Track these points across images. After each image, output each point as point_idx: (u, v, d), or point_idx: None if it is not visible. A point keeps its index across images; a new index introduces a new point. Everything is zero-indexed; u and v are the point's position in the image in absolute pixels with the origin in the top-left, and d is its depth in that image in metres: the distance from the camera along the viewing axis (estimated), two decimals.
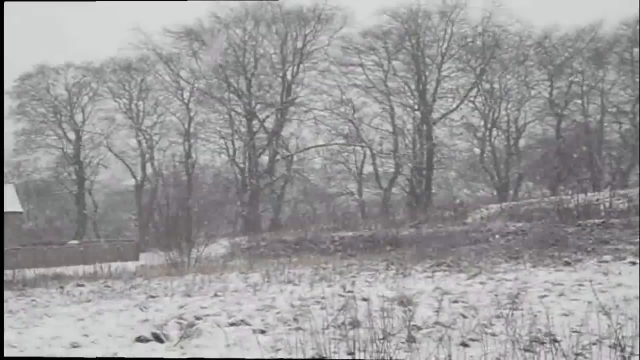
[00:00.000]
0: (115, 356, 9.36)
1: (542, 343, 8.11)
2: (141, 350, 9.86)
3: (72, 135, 66.59)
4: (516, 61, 60.56)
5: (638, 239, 25.98)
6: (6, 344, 10.11)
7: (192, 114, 64.48)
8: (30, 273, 29.29)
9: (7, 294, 20.76)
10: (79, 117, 66.48)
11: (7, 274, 28.38)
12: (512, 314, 9.88)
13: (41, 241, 56.63)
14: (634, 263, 20.19)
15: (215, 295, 16.80)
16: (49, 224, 70.51)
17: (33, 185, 66.11)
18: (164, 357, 9.41)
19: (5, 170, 64.77)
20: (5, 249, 43.72)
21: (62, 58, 65.35)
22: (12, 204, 52.05)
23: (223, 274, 23.70)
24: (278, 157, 62.61)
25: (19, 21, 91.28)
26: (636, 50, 58.12)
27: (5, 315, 14.87)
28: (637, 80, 58.40)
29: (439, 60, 61.03)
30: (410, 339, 9.16)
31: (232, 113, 63.17)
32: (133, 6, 72.82)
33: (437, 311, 11.70)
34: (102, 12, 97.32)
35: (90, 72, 65.37)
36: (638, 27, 57.28)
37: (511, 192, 59.99)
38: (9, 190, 53.72)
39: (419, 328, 10.26)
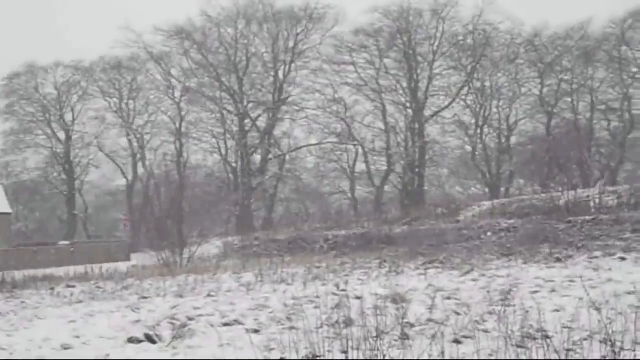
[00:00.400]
0: (107, 357, 9.31)
1: (534, 339, 8.15)
2: (133, 351, 9.82)
3: (61, 135, 66.29)
4: (506, 59, 60.74)
5: (627, 235, 26.17)
6: None
7: (183, 112, 64.37)
8: (19, 274, 29.17)
9: None
10: (68, 117, 66.26)
11: None
12: (504, 310, 9.91)
13: (31, 242, 56.39)
14: (623, 258, 20.34)
15: (208, 295, 16.77)
16: (39, 225, 70.26)
17: (22, 185, 65.73)
18: (156, 357, 9.38)
19: None
20: None
21: (51, 56, 65.19)
22: (0, 204, 51.77)
23: (216, 273, 23.66)
24: (270, 156, 62.56)
25: (6, 19, 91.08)
26: (624, 48, 58.44)
27: None
28: (625, 77, 58.72)
29: (430, 58, 61.14)
30: (403, 336, 9.18)
31: (224, 112, 63.08)
32: (123, 4, 72.86)
33: (429, 308, 11.73)
34: (91, 10, 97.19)
35: (79, 70, 65.08)
36: (625, 25, 57.65)
37: (502, 189, 60.16)
38: None
39: (412, 325, 10.29)
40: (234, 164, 63.18)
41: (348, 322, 9.63)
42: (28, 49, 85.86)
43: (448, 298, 13.57)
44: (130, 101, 65.75)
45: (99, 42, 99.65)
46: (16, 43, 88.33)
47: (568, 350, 7.20)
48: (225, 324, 11.58)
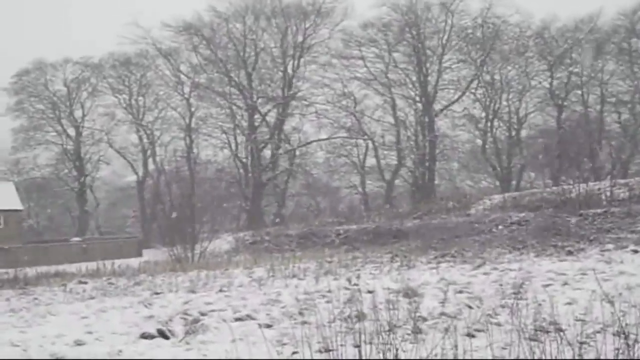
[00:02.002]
0: (120, 353, 9.35)
1: (547, 332, 8.12)
2: (146, 346, 9.86)
3: (72, 132, 66.47)
4: (516, 52, 60.47)
5: (639, 228, 26.01)
6: (9, 343, 10.10)
7: (193, 108, 64.42)
8: (32, 271, 29.36)
9: (9, 292, 20.80)
10: (78, 113, 66.41)
11: (9, 272, 28.50)
12: (517, 304, 9.88)
13: (43, 239, 56.73)
14: (635, 251, 20.22)
15: (220, 290, 16.83)
16: (51, 222, 70.63)
17: (33, 182, 66.00)
18: (170, 352, 9.41)
19: (5, 167, 64.94)
20: (7, 247, 43.92)
21: (60, 53, 65.33)
22: (12, 202, 52.03)
23: (227, 269, 23.73)
24: (280, 151, 62.56)
25: (15, 17, 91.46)
26: (634, 40, 58.07)
27: (8, 314, 14.90)
28: (636, 70, 58.35)
29: (440, 52, 60.91)
30: (416, 330, 9.18)
31: (234, 107, 63.12)
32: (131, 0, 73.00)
33: (442, 302, 11.73)
34: (100, 7, 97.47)
35: (89, 67, 65.23)
36: (635, 17, 57.28)
37: (513, 182, 59.98)
38: (8, 188, 53.69)
39: (425, 319, 10.30)
40: (244, 160, 63.21)
41: (361, 317, 9.63)
42: (37, 46, 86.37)
43: (460, 292, 13.55)
44: (140, 97, 65.91)
45: (108, 39, 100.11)
46: (25, 41, 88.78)
47: (582, 343, 7.17)
48: (238, 319, 11.62)
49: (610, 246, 22.05)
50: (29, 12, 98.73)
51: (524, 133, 62.10)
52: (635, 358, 6.43)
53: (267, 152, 63.24)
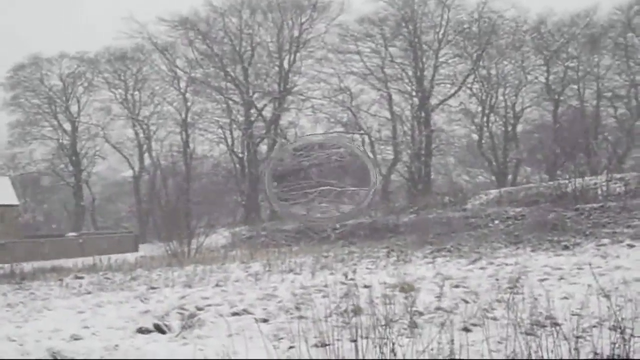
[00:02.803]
0: (117, 348, 9.34)
1: (543, 326, 8.14)
2: (142, 341, 9.86)
3: (67, 127, 66.41)
4: (512, 47, 60.42)
5: (635, 222, 26.09)
6: (6, 338, 10.10)
7: (189, 103, 64.33)
8: (28, 266, 29.36)
9: (5, 287, 20.80)
10: (74, 108, 66.32)
11: (6, 267, 28.49)
12: (513, 298, 9.88)
13: (39, 234, 56.63)
14: (631, 246, 20.28)
15: (217, 285, 16.85)
16: (47, 217, 70.58)
17: (29, 177, 65.91)
18: (166, 347, 9.41)
19: (1, 162, 64.82)
20: (3, 242, 43.86)
21: (56, 48, 65.13)
22: (8, 197, 51.93)
23: (224, 264, 23.76)
24: (277, 146, 62.50)
25: (11, 11, 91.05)
26: (630, 35, 58.10)
27: (4, 309, 14.91)
28: (631, 64, 58.42)
29: (436, 47, 60.83)
30: (413, 325, 9.19)
31: (230, 102, 63.03)
32: None
33: (438, 297, 11.75)
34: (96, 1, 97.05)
35: (84, 62, 65.05)
36: (631, 12, 57.32)
37: (510, 177, 60.03)
38: (4, 183, 53.56)
39: (421, 314, 10.31)
40: (240, 155, 63.14)
41: (357, 311, 9.64)
42: (33, 41, 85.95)
43: (456, 286, 13.58)
44: (136, 92, 65.77)
45: (104, 33, 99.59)
46: (21, 36, 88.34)
47: (578, 337, 7.18)
48: (234, 314, 11.63)
49: (606, 241, 22.13)
50: (25, 7, 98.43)
51: (520, 128, 62.15)
52: (631, 352, 6.45)
53: (263, 147, 63.28)
